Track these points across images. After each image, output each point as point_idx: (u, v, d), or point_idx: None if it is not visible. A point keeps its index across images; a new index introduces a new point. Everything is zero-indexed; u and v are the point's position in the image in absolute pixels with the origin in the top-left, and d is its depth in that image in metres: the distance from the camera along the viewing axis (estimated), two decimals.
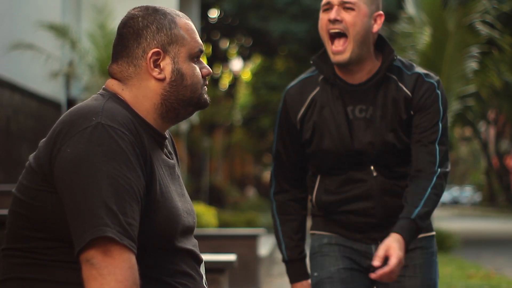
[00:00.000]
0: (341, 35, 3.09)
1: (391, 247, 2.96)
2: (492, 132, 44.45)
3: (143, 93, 2.27)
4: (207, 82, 2.38)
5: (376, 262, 2.93)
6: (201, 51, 2.34)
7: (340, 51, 3.08)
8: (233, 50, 29.73)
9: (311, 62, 3.20)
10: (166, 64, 2.28)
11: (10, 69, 10.75)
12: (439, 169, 3.09)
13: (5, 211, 2.30)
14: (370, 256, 3.19)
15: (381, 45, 3.19)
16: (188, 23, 2.33)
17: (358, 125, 3.14)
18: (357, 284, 3.20)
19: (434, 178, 3.07)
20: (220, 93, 28.34)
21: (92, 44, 13.03)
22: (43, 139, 2.20)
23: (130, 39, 2.26)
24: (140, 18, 2.27)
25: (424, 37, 12.46)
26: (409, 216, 3.02)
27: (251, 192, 31.82)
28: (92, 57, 13.02)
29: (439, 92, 3.14)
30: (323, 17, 3.11)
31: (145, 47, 2.26)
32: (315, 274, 3.24)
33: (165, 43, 2.27)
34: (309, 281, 3.27)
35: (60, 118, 2.18)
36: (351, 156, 3.14)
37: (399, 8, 14.42)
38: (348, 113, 3.14)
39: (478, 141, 40.25)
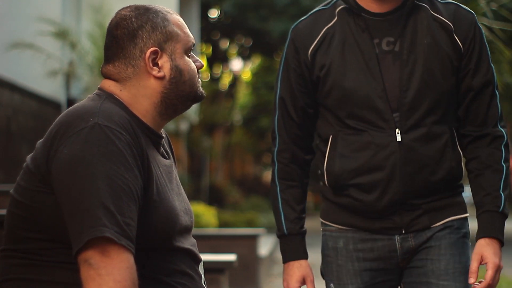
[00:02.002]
0: None
1: (484, 255, 2.67)
2: None
3: (142, 93, 2.28)
4: (200, 75, 2.39)
5: (471, 280, 2.64)
6: (193, 45, 2.35)
7: None
8: (233, 50, 29.72)
9: None
10: (164, 62, 2.28)
11: (10, 69, 10.75)
12: (502, 129, 2.73)
13: (4, 211, 2.30)
14: (395, 253, 2.76)
15: None
16: (179, 19, 2.34)
17: (385, 59, 2.72)
18: None
19: (503, 144, 2.70)
20: (220, 93, 28.32)
21: (92, 44, 13.05)
22: (40, 140, 2.20)
23: (125, 40, 2.27)
24: (133, 19, 2.28)
25: None
26: (497, 209, 2.67)
27: None
28: (92, 57, 13.03)
29: (479, 26, 2.76)
30: None
31: (142, 47, 2.26)
32: (331, 285, 2.81)
33: (161, 41, 2.28)
34: (307, 262, 2.82)
35: (57, 119, 2.19)
36: (378, 99, 2.70)
37: None
38: (374, 46, 2.73)
39: None
